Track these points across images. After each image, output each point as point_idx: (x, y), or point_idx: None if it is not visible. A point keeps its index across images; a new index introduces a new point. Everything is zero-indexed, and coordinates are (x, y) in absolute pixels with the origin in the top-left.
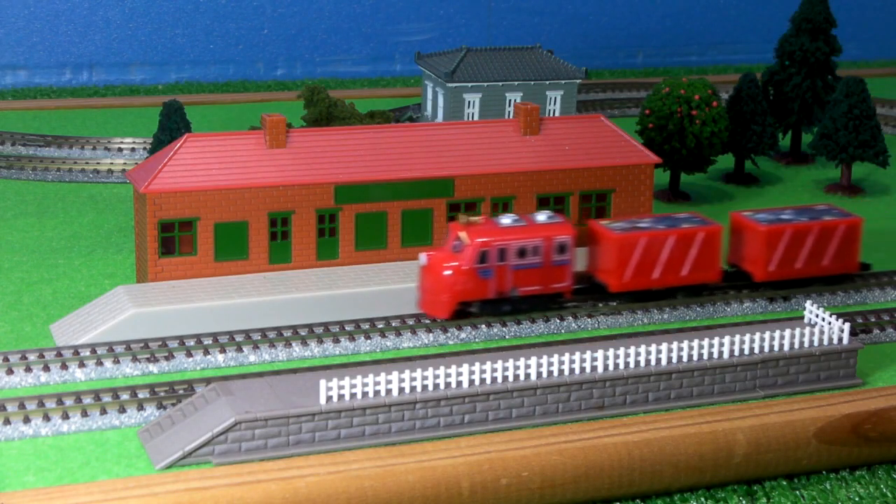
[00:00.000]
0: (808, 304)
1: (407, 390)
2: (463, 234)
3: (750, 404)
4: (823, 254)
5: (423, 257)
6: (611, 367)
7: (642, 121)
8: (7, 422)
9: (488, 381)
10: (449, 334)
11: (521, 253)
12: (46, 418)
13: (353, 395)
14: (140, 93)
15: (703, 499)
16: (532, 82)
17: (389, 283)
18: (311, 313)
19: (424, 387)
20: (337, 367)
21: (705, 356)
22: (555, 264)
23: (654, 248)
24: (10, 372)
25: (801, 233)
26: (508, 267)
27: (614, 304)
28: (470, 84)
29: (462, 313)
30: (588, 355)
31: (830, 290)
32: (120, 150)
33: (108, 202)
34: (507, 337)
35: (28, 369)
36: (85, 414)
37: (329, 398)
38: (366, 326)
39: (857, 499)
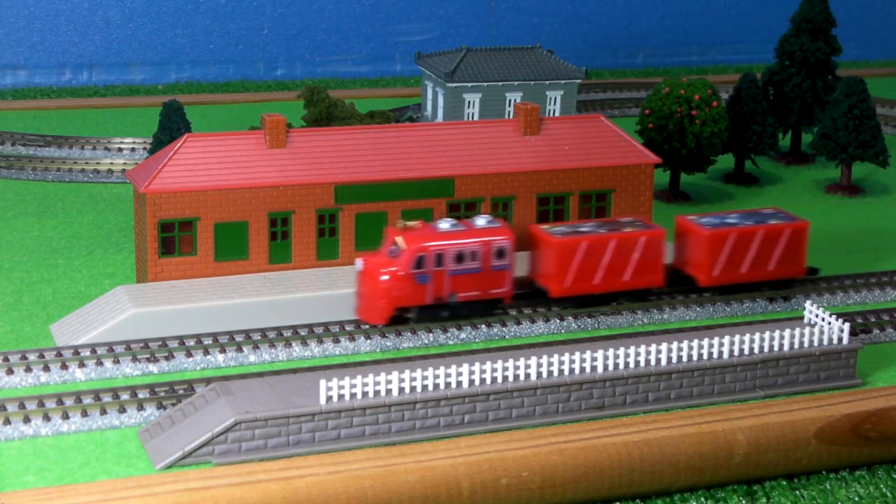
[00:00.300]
0: (808, 304)
1: (407, 390)
2: (399, 239)
3: (750, 404)
4: (769, 258)
5: (359, 263)
6: (611, 367)
7: (642, 121)
8: (7, 422)
9: (488, 381)
10: (449, 334)
11: (459, 258)
12: (46, 418)
13: (353, 395)
14: (140, 93)
15: (703, 499)
16: (532, 82)
17: None
18: (311, 313)
19: (424, 387)
20: (337, 367)
21: (705, 356)
22: (494, 269)
23: (595, 252)
24: (10, 372)
25: (746, 237)
26: (446, 272)
27: (557, 309)
28: (470, 84)
29: (398, 319)
30: (588, 355)
31: (828, 291)
32: (120, 150)
33: (108, 202)
34: (507, 337)
35: (28, 369)
36: (85, 414)
37: (329, 398)
38: (366, 326)
39: (857, 499)
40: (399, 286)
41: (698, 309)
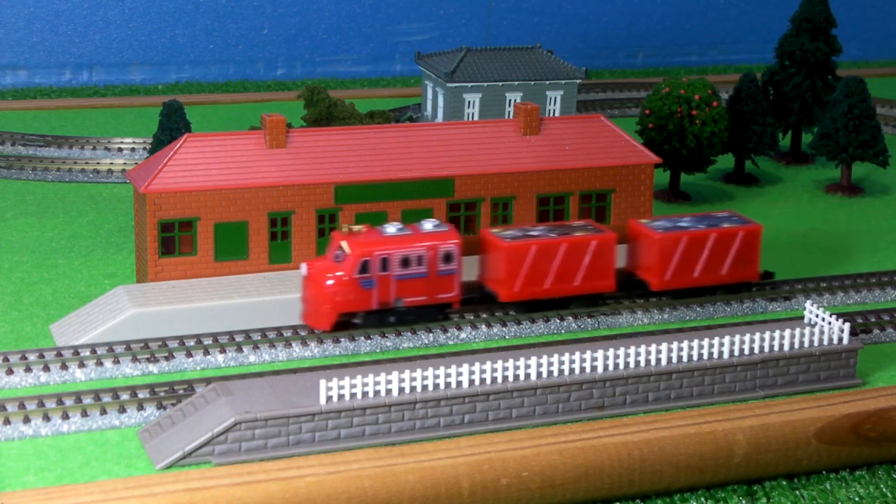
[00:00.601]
0: (808, 304)
1: (407, 390)
2: (344, 244)
3: (750, 404)
4: (722, 262)
5: (304, 267)
6: (611, 367)
7: (642, 121)
8: (7, 422)
9: (488, 381)
10: (449, 334)
11: (405, 262)
12: (46, 418)
13: (353, 395)
14: (140, 93)
15: (703, 499)
16: (532, 82)
17: None
18: None
19: (424, 387)
20: (337, 367)
21: (705, 356)
22: (441, 274)
23: (545, 256)
24: (10, 372)
25: (698, 240)
26: (392, 277)
27: (511, 313)
28: (470, 84)
29: (344, 324)
30: (588, 355)
31: (828, 291)
32: (120, 150)
33: (108, 202)
34: (507, 337)
35: (28, 369)
36: (85, 414)
37: (329, 398)
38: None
39: (857, 499)
40: (344, 291)
41: (698, 309)
